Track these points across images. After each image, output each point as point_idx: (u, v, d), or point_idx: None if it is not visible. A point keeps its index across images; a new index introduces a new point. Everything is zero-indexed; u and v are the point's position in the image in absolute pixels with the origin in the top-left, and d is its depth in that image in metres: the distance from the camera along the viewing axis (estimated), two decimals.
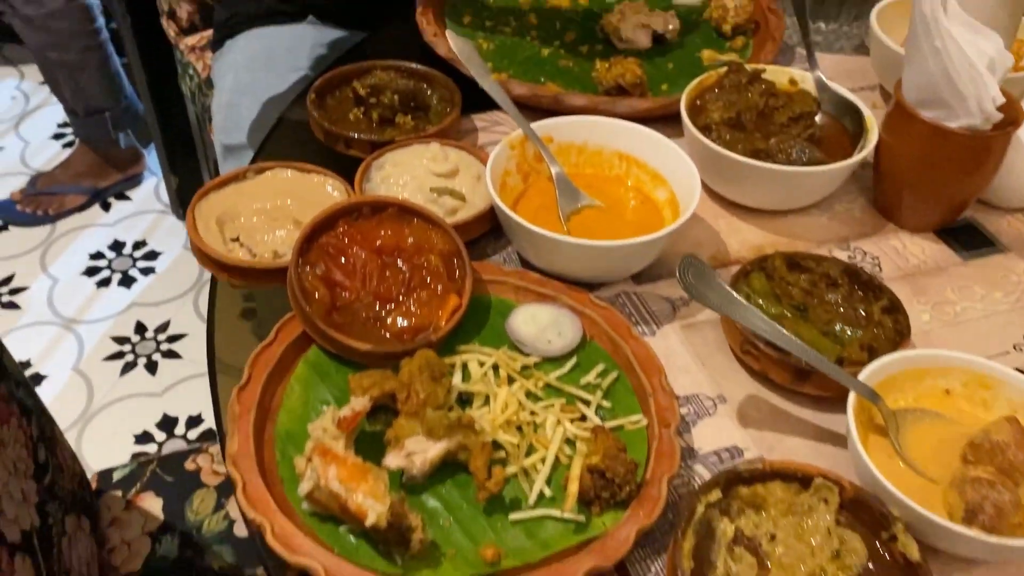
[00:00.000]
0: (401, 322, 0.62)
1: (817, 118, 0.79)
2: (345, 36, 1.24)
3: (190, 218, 0.69)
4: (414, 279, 0.63)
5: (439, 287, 0.63)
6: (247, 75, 1.22)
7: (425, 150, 0.77)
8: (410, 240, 0.65)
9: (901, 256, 0.75)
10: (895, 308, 0.64)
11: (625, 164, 0.76)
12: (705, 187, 0.78)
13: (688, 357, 0.65)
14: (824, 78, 0.82)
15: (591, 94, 0.87)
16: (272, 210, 0.71)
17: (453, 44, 0.79)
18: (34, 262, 2.03)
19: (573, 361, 0.62)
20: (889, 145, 0.74)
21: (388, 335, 0.61)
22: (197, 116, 1.62)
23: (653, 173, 0.75)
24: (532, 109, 0.87)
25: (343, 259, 0.63)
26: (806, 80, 0.82)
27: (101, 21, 1.98)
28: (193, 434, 1.74)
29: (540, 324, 0.63)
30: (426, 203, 0.72)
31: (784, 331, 0.57)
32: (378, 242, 0.64)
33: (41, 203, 2.12)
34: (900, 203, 0.76)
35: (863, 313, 0.65)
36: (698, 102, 0.80)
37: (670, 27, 0.96)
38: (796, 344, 0.57)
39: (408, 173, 0.75)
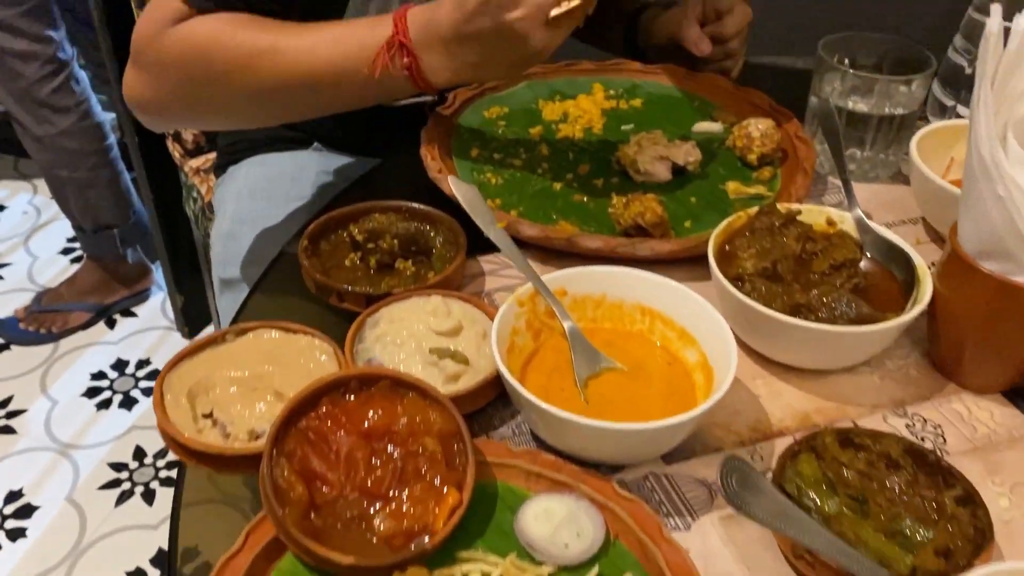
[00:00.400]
0: (391, 524, 0.53)
1: (861, 264, 0.72)
2: (351, 162, 1.19)
3: (157, 393, 0.61)
4: (407, 469, 0.55)
5: (436, 478, 0.54)
6: (248, 203, 1.17)
7: (425, 303, 0.69)
8: (403, 421, 0.57)
9: (967, 424, 0.66)
10: (971, 499, 0.55)
11: (648, 319, 0.68)
12: (739, 341, 0.70)
13: (731, 560, 0.55)
14: (865, 217, 0.75)
15: (608, 235, 0.80)
16: (251, 379, 0.63)
17: (456, 191, 0.72)
18: (34, 383, 1.97)
19: (595, 571, 0.53)
20: (946, 298, 0.66)
21: (375, 539, 0.52)
22: (201, 239, 1.57)
23: (680, 331, 0.66)
24: (544, 250, 0.80)
25: (325, 446, 0.55)
26: (845, 220, 0.75)
27: (112, 139, 1.97)
28: (188, 568, 1.63)
29: (555, 521, 0.54)
30: (425, 367, 0.64)
31: (847, 547, 0.48)
32: (366, 424, 0.56)
33: (45, 321, 2.07)
34: (961, 361, 0.67)
35: (933, 505, 0.55)
36: (727, 248, 0.72)
37: (691, 159, 0.89)
38: (861, 561, 0.48)
39: (406, 330, 0.67)
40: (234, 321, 0.82)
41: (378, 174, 1.01)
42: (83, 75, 1.89)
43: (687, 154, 0.89)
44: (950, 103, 0.96)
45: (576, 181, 0.90)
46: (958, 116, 0.97)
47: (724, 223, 0.73)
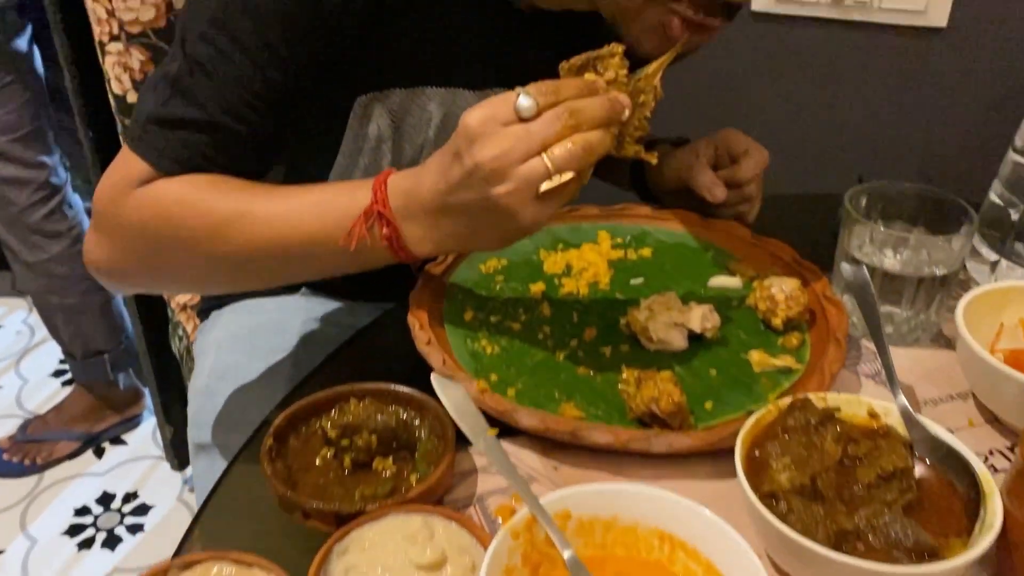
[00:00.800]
0: None
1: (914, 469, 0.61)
2: (340, 308, 1.11)
3: None
4: None
5: None
6: (229, 356, 1.08)
7: (404, 524, 0.59)
8: None
9: None
10: None
11: (668, 547, 0.58)
12: (774, 562, 0.60)
13: None
14: (911, 409, 0.65)
15: (618, 425, 0.70)
16: None
17: (441, 393, 0.63)
18: (14, 520, 1.86)
19: None
20: (1019, 522, 0.56)
21: None
22: (185, 377, 1.48)
23: (707, 565, 0.56)
24: (544, 439, 0.71)
25: None
26: (890, 413, 0.65)
27: None
28: None
29: None
30: None
31: None
32: None
33: (29, 451, 1.97)
34: None
35: None
36: (757, 453, 0.62)
37: (708, 325, 0.80)
38: None
39: (380, 563, 0.57)
40: (206, 503, 0.73)
41: (368, 332, 0.92)
42: (77, 199, 1.85)
43: (704, 319, 0.80)
44: (993, 257, 0.87)
45: (582, 349, 0.81)
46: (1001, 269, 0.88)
47: (752, 420, 0.64)
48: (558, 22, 0.89)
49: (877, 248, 0.82)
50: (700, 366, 0.79)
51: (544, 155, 0.65)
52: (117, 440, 2.06)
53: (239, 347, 1.08)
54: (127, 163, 0.81)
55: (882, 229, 0.81)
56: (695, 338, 0.81)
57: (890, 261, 0.81)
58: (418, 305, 0.82)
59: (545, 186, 0.65)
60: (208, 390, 1.06)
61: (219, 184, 0.79)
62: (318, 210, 0.76)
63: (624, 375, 0.75)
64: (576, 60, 0.71)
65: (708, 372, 0.78)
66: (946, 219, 0.83)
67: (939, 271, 0.80)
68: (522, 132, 0.65)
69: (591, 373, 0.78)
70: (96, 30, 1.27)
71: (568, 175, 0.65)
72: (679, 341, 0.80)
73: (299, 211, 0.76)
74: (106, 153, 1.49)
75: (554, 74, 0.72)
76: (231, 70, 0.79)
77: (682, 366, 0.78)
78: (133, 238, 0.82)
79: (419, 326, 0.79)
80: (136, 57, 1.29)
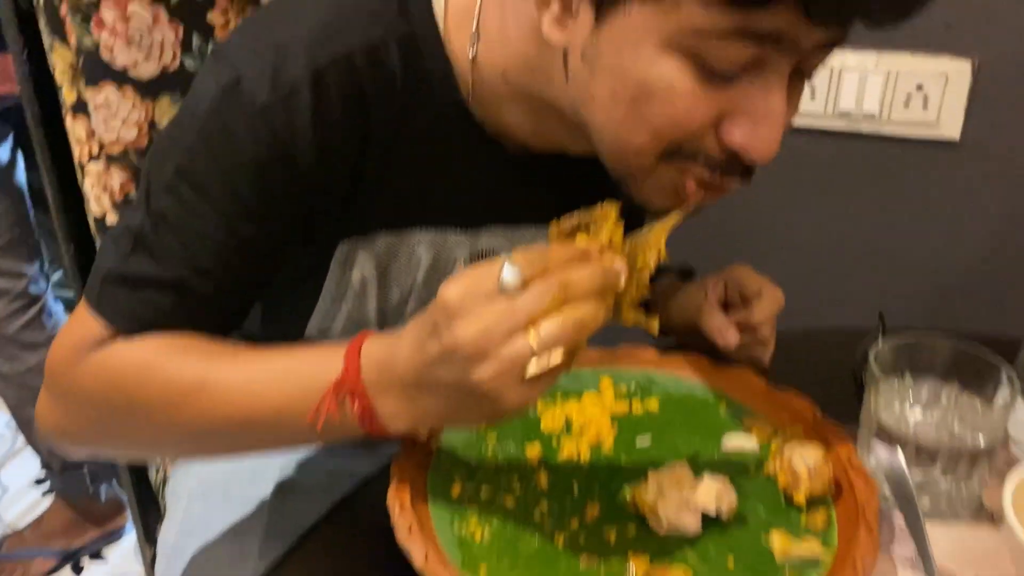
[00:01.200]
0: None
1: None
2: (323, 451, 1.03)
3: None
4: None
5: None
6: (200, 505, 1.00)
7: None
8: None
9: None
10: None
11: None
12: None
13: None
14: None
15: None
16: None
17: None
18: None
19: None
20: None
21: None
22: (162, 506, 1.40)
23: None
24: None
25: None
26: None
27: None
28: None
29: None
30: None
31: None
32: None
33: (3, 571, 1.87)
34: None
35: None
36: None
37: (724, 506, 0.72)
38: None
39: None
40: None
41: (349, 503, 0.83)
42: (58, 308, 1.79)
43: (719, 498, 0.72)
44: None
45: (583, 532, 0.72)
46: None
47: None
48: (553, 161, 0.83)
49: (907, 410, 0.74)
50: (716, 554, 0.70)
51: (530, 333, 0.58)
52: (97, 555, 1.96)
53: (211, 498, 1.00)
54: (83, 324, 0.75)
55: (911, 396, 0.73)
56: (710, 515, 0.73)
57: (924, 427, 0.73)
58: (400, 478, 0.74)
59: (532, 368, 0.58)
60: (176, 547, 0.98)
61: (180, 348, 0.73)
62: (285, 382, 0.69)
63: (632, 570, 0.66)
64: (566, 223, 0.65)
65: (725, 561, 0.69)
66: (982, 376, 0.75)
67: (981, 442, 0.72)
68: (506, 308, 0.58)
69: (594, 565, 0.69)
70: (76, 150, 1.22)
71: (557, 355, 0.58)
72: (692, 524, 0.71)
73: (264, 382, 0.70)
74: (88, 268, 1.43)
75: (549, 213, 0.67)
76: (198, 224, 0.73)
77: (696, 552, 0.70)
78: (87, 405, 0.75)
79: (399, 508, 0.71)
80: (116, 178, 1.23)
